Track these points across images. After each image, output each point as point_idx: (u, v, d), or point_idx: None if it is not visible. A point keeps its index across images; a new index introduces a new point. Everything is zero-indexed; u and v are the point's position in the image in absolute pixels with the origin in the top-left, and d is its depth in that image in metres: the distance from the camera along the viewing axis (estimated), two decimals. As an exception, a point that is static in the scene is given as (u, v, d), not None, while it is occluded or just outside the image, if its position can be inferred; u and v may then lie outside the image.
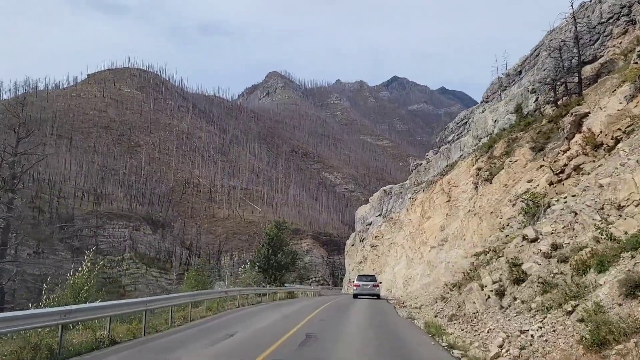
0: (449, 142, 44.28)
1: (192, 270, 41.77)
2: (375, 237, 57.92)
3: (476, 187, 30.48)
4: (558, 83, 27.33)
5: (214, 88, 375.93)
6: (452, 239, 31.90)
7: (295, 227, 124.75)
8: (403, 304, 26.63)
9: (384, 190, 62.55)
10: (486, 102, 39.59)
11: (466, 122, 42.49)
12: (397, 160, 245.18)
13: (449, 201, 35.70)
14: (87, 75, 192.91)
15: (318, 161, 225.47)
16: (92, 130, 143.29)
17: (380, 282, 35.39)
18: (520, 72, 35.87)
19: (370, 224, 64.40)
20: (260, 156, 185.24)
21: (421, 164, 50.52)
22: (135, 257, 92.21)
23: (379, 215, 60.81)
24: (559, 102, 27.44)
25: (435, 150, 49.10)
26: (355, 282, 34.00)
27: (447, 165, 41.16)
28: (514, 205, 22.49)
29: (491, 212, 25.98)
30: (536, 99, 30.11)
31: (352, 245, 73.88)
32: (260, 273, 42.18)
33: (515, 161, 26.57)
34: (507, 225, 21.53)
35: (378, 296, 32.66)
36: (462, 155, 37.85)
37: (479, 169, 30.85)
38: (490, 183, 28.24)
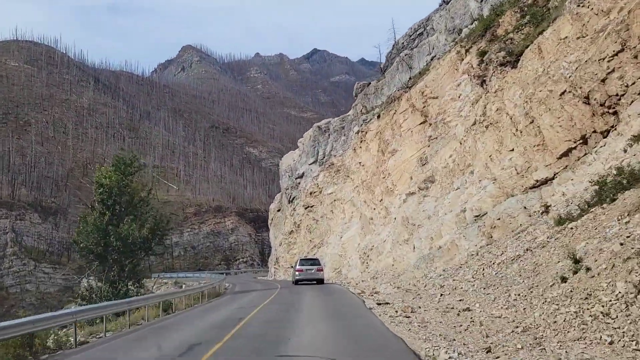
0: (403, 55, 33.12)
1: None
2: (311, 193, 45.32)
3: (482, 83, 19.92)
4: None
5: (121, 63, 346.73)
6: (445, 175, 21.48)
7: (218, 204, 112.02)
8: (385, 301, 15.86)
9: (318, 128, 48.42)
10: (447, 3, 29.15)
11: (422, 33, 32.09)
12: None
13: (425, 122, 25.20)
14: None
15: (241, 136, 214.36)
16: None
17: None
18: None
19: (301, 176, 50.92)
20: (176, 132, 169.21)
21: (369, 84, 39.04)
22: (20, 252, 76.29)
23: (314, 162, 47.62)
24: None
25: (378, 78, 37.98)
26: (298, 267, 32.25)
27: (410, 78, 30.15)
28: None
29: (544, 108, 15.57)
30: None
31: (278, 210, 59.95)
32: (95, 263, 26.57)
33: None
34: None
35: (322, 281, 31.02)
36: (434, 56, 27.09)
37: (482, 55, 20.24)
38: (515, 67, 17.76)
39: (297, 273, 31.76)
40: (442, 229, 20.66)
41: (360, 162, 34.86)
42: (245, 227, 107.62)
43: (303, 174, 50.65)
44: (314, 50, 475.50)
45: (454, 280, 16.89)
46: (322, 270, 32.12)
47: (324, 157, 46.00)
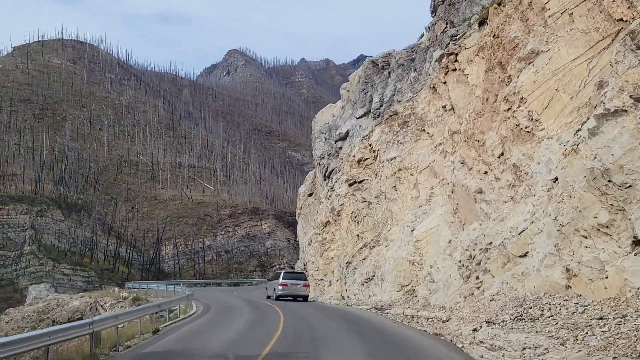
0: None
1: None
2: (359, 161, 31.65)
3: None
4: None
5: (166, 64, 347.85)
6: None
7: (254, 206, 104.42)
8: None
9: (373, 64, 33.99)
10: None
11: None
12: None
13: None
14: (13, 48, 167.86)
15: (283, 139, 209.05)
16: (5, 104, 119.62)
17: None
18: None
19: (344, 137, 35.86)
20: (216, 132, 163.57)
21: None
22: (39, 251, 70.35)
23: (365, 114, 33.12)
24: None
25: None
26: (282, 281, 30.50)
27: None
28: None
29: None
30: None
31: (310, 194, 44.55)
32: None
33: None
34: None
35: (306, 298, 30.56)
36: None
37: None
38: None
39: (280, 287, 30.23)
40: None
41: (444, 106, 23.01)
42: (284, 232, 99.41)
43: (347, 133, 35.45)
44: (360, 57, 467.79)
45: None
46: (308, 286, 31.36)
47: (380, 106, 31.78)
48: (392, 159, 27.60)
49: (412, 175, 25.66)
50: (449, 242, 19.31)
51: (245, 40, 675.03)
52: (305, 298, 30.65)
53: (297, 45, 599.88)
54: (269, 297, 32.59)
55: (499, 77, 17.55)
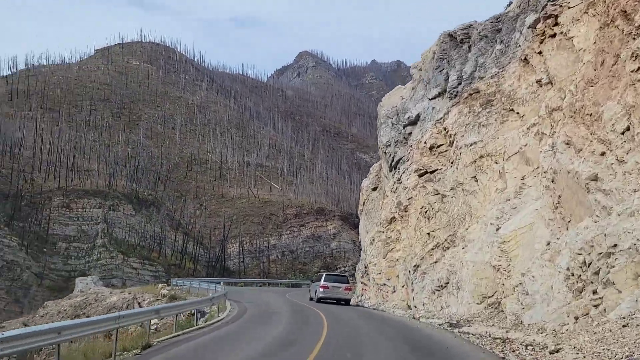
0: None
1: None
2: (431, 148, 27.80)
3: None
4: None
5: (238, 66, 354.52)
6: None
7: (320, 206, 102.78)
8: None
9: (450, 37, 29.68)
10: None
11: None
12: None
13: None
14: (95, 50, 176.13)
15: (352, 141, 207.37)
16: (86, 103, 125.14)
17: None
18: None
19: (414, 122, 31.43)
20: (284, 133, 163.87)
21: None
22: (110, 244, 71.98)
23: (439, 94, 29.08)
24: None
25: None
26: (323, 283, 29.88)
27: None
28: None
29: None
30: None
31: (374, 188, 40.57)
32: None
33: None
34: None
35: (348, 302, 29.84)
36: None
37: None
38: None
39: (321, 290, 29.74)
40: None
41: (539, 80, 19.09)
42: (349, 234, 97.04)
43: (418, 116, 31.13)
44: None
45: None
46: (350, 289, 30.83)
47: (458, 84, 27.72)
48: (472, 145, 23.73)
49: (496, 163, 21.86)
50: (548, 244, 15.69)
51: (316, 42, 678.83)
52: (347, 302, 29.99)
53: (368, 46, 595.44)
54: (311, 299, 31.77)
55: (622, 31, 14.03)
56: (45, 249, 69.76)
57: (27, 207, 73.35)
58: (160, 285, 37.88)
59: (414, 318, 21.91)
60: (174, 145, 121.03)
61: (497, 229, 18.44)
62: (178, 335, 15.51)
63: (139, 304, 26.83)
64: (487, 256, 18.65)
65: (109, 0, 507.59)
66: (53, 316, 29.83)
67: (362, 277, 38.43)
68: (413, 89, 34.59)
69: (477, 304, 18.71)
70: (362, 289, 38.11)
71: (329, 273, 35.27)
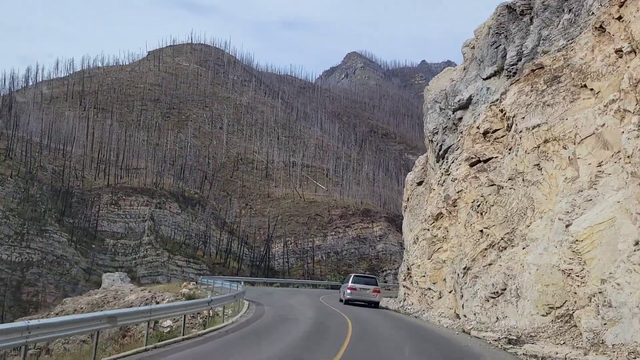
0: None
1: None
2: (485, 134, 24.46)
3: None
4: None
5: (286, 67, 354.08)
6: None
7: (366, 207, 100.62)
8: None
9: (508, 9, 26.54)
10: None
11: None
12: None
13: None
14: (147, 52, 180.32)
15: (400, 142, 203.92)
16: (137, 103, 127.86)
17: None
18: None
19: (465, 106, 28.31)
20: (331, 133, 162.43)
21: None
22: (156, 242, 72.40)
23: (495, 73, 25.79)
24: None
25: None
26: (351, 285, 29.58)
27: None
28: None
29: None
30: None
31: (420, 183, 36.92)
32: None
33: None
34: None
35: (376, 304, 29.66)
36: None
37: None
38: None
39: (348, 291, 29.61)
40: None
41: (619, 49, 15.34)
42: (396, 235, 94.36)
43: (470, 99, 28.05)
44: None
45: None
46: (378, 292, 30.24)
47: (518, 61, 24.45)
48: (534, 128, 20.42)
49: (565, 148, 18.56)
50: (636, 243, 12.98)
51: (365, 43, 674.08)
52: (375, 304, 29.79)
53: (417, 47, 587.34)
54: (340, 301, 31.65)
55: None
56: (93, 245, 70.89)
57: (77, 204, 74.88)
58: (184, 284, 36.70)
59: (464, 331, 19.20)
60: (220, 145, 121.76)
61: (567, 226, 15.44)
62: (138, 352, 12.11)
63: (156, 302, 25.80)
64: (555, 258, 15.80)
65: (161, 3, 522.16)
66: (69, 314, 29.14)
67: (404, 279, 34.85)
68: (464, 69, 31.50)
69: (542, 315, 15.97)
70: (405, 294, 34.75)
71: (357, 274, 34.57)
